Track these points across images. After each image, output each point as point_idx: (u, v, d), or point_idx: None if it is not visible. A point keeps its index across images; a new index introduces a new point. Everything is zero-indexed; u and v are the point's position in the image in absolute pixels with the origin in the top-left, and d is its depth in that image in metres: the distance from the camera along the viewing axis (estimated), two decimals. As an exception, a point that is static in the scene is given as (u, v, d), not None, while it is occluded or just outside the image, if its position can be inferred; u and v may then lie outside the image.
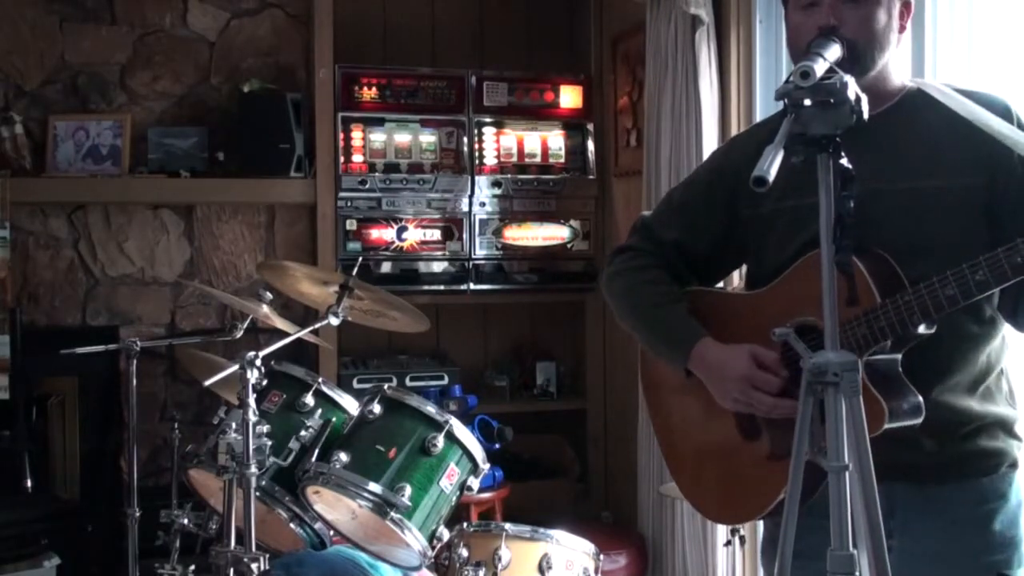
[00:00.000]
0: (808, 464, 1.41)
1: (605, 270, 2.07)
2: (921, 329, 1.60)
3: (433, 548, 2.49)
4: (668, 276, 1.95)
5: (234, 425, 2.33)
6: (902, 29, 1.75)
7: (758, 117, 3.50)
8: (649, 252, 1.99)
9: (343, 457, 2.42)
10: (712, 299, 1.94)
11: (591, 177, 4.56)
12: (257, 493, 2.36)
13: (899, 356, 1.64)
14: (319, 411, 2.58)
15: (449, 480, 2.48)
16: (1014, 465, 1.79)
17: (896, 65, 1.79)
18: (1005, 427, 1.77)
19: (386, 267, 4.35)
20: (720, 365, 1.78)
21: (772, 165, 1.32)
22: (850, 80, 1.37)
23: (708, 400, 1.85)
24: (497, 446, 3.60)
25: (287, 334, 2.75)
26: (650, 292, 1.94)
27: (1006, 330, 1.79)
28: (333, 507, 2.54)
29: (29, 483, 3.65)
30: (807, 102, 1.36)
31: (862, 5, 1.68)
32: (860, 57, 1.66)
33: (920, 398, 1.63)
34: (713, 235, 1.93)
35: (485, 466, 2.57)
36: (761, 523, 3.48)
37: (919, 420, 1.63)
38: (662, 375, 2.01)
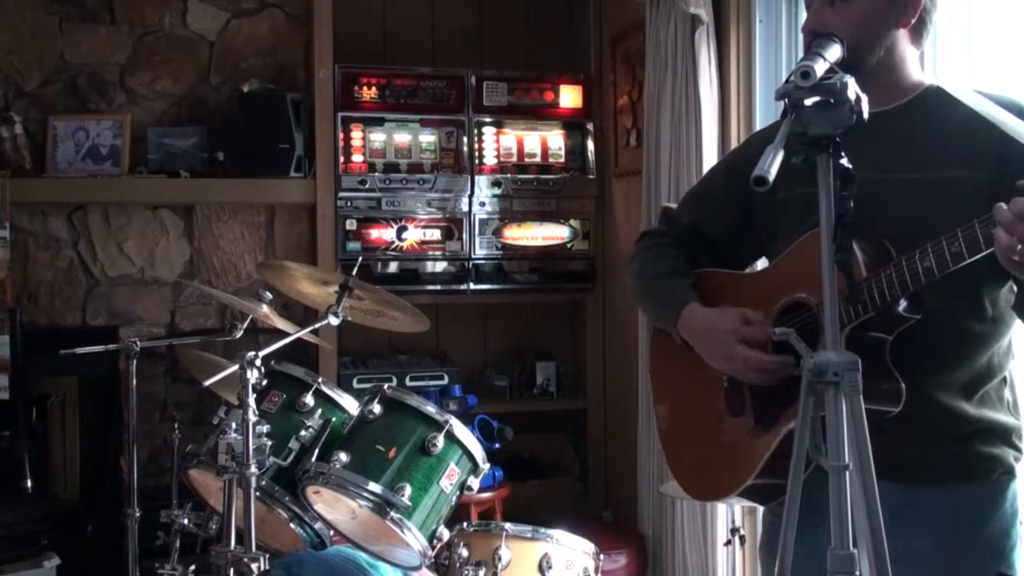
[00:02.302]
0: (784, 452, 1.42)
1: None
2: (903, 307, 1.59)
3: (433, 548, 2.49)
4: (681, 255, 2.02)
5: (234, 425, 2.33)
6: (903, 24, 1.76)
7: (758, 116, 3.51)
8: (667, 234, 2.07)
9: (343, 457, 2.42)
10: (719, 278, 1.97)
11: (591, 177, 4.56)
12: (257, 493, 2.36)
13: (888, 337, 1.62)
14: (319, 411, 2.58)
15: (449, 480, 2.48)
16: (1009, 473, 1.76)
17: (913, 62, 1.80)
18: (1003, 435, 1.75)
19: (386, 267, 4.35)
20: (708, 324, 1.83)
21: (772, 165, 1.33)
22: (850, 80, 1.37)
23: (702, 378, 1.89)
24: (497, 446, 3.60)
25: (287, 334, 2.75)
26: (656, 266, 2.02)
27: (1014, 337, 1.77)
28: (333, 507, 2.54)
29: (29, 483, 3.65)
30: (807, 102, 1.37)
31: (844, 8, 1.72)
32: (846, 57, 1.67)
33: (902, 385, 1.62)
34: (728, 220, 1.98)
35: (485, 466, 2.57)
36: (760, 521, 3.51)
37: (896, 407, 1.62)
38: (664, 358, 2.06)
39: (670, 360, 2.02)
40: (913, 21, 1.76)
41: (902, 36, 1.77)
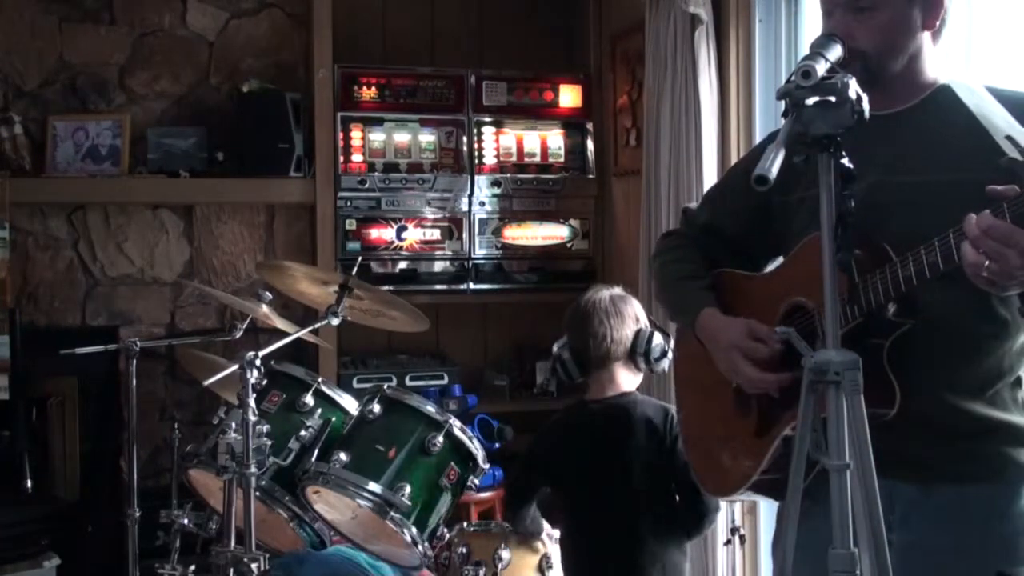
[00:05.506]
0: (784, 453, 1.42)
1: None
2: (892, 312, 1.59)
3: (433, 548, 2.49)
4: (698, 256, 2.06)
5: (234, 425, 2.33)
6: (928, 27, 1.75)
7: (757, 116, 3.51)
8: (684, 235, 2.13)
9: (343, 457, 2.42)
10: (733, 279, 2.00)
11: (590, 176, 4.56)
12: (257, 493, 2.36)
13: (884, 343, 1.62)
14: (319, 411, 2.58)
15: (449, 480, 2.48)
16: (1022, 473, 1.73)
17: (931, 61, 1.79)
18: (1016, 435, 1.72)
19: (386, 267, 4.35)
20: (716, 333, 1.87)
21: (774, 164, 1.34)
22: (851, 80, 1.37)
23: (716, 376, 1.91)
24: (497, 446, 3.59)
25: (287, 334, 2.75)
26: (675, 269, 2.07)
27: None
28: (333, 507, 2.54)
29: (29, 483, 3.64)
30: (808, 101, 1.37)
31: (868, 17, 1.70)
32: (871, 66, 1.69)
33: (897, 390, 1.61)
34: (744, 220, 1.99)
35: (485, 466, 2.57)
36: (762, 522, 3.51)
37: (891, 411, 1.61)
38: (687, 357, 2.11)
39: (691, 358, 2.05)
40: (938, 22, 1.75)
41: (926, 38, 1.76)
